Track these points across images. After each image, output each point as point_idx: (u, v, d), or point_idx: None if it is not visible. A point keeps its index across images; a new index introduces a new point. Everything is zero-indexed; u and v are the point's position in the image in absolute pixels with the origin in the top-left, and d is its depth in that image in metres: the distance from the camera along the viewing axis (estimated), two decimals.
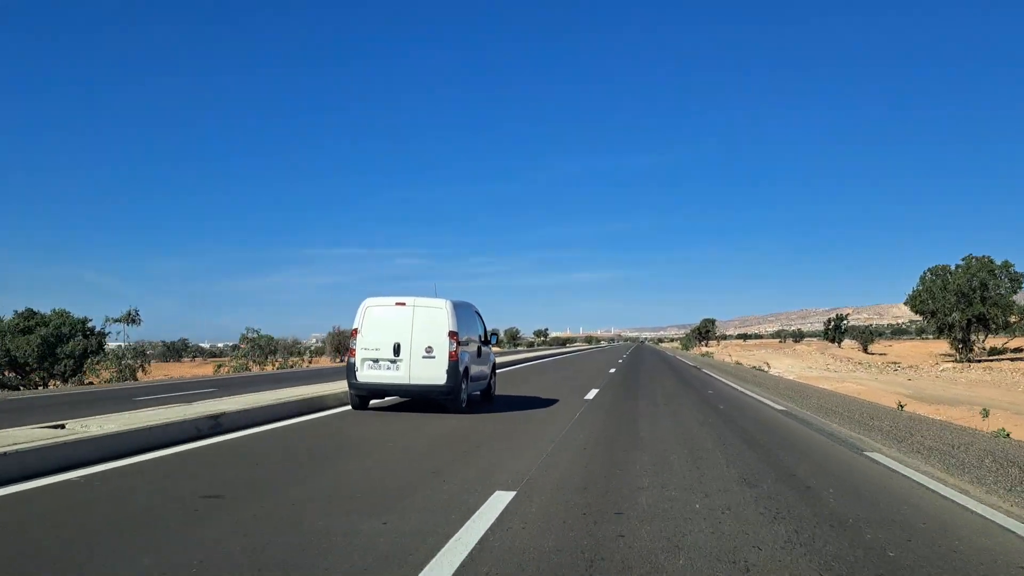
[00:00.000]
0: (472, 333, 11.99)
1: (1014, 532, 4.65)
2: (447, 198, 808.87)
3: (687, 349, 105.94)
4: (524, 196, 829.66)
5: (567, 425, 9.88)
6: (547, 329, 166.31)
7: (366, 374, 10.72)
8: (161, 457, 6.76)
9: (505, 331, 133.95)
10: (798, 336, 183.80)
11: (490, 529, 4.23)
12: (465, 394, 11.13)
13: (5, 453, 5.67)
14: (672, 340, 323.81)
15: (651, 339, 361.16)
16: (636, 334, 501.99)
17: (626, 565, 3.65)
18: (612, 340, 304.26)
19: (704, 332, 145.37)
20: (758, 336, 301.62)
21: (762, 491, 5.70)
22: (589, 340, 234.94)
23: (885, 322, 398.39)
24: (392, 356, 10.57)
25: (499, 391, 14.19)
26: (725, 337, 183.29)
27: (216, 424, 8.48)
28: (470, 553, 3.73)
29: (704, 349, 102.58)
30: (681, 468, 6.68)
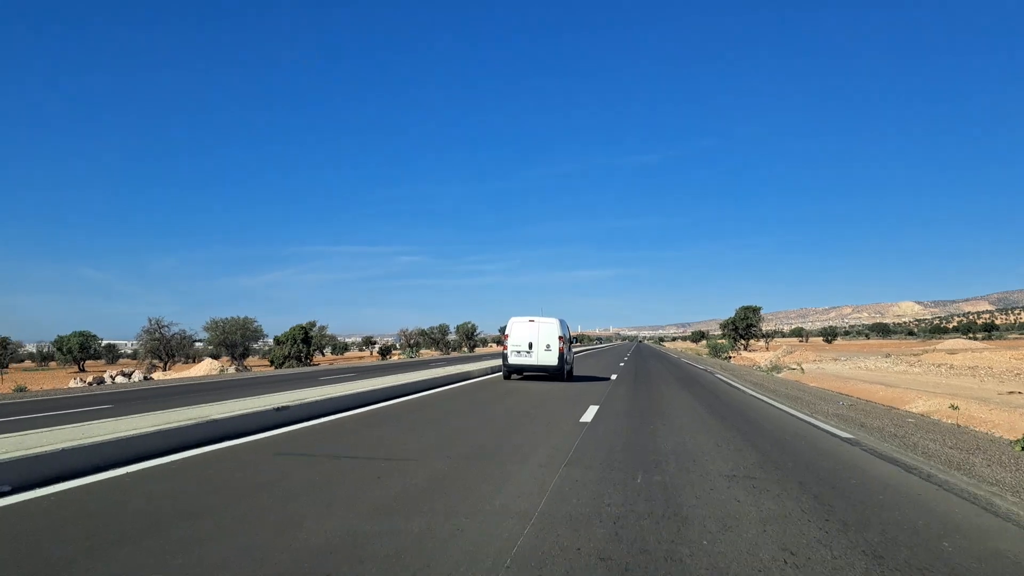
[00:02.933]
0: (565, 336, 20.03)
1: None
2: (448, 196, 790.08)
3: (719, 355, 60.47)
4: (524, 194, 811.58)
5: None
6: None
7: (513, 359, 19.49)
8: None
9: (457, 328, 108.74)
10: (829, 335, 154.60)
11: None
12: (564, 371, 19.57)
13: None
14: (674, 339, 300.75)
15: (650, 338, 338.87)
16: (635, 333, 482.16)
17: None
18: (600, 339, 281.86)
19: (745, 327, 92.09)
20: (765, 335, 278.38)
21: None
22: (579, 339, 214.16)
23: (888, 320, 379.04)
24: (528, 349, 19.34)
25: None
26: (768, 335, 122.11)
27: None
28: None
29: (753, 357, 60.90)
30: None
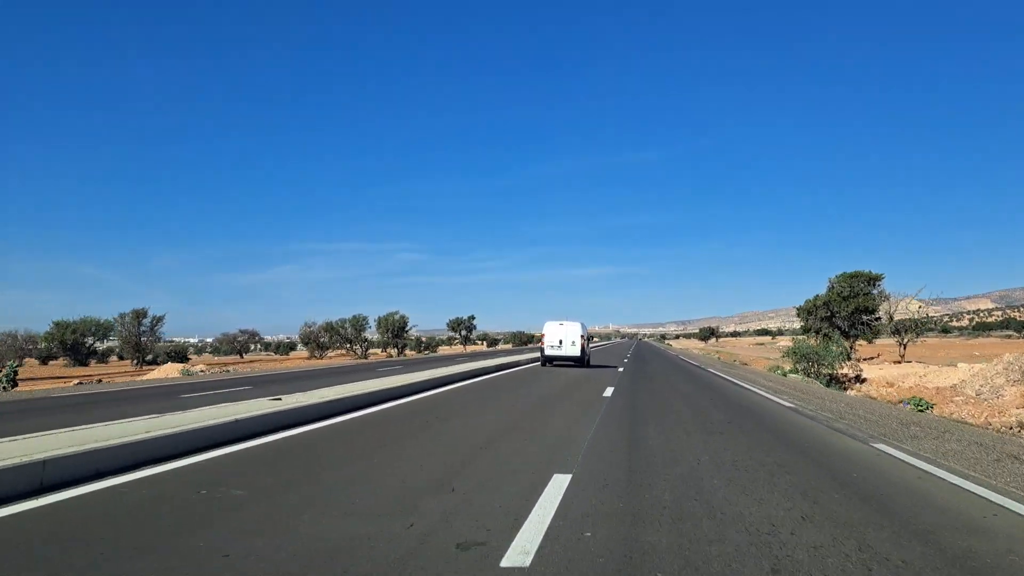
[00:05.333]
0: (585, 335, 27.14)
1: None
2: (447, 193, 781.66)
3: (815, 369, 27.39)
4: (524, 192, 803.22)
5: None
6: (472, 317, 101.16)
7: (548, 352, 26.39)
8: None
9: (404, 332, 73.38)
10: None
11: (613, 387, 16.74)
12: (585, 360, 26.73)
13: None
14: (677, 337, 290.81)
15: (651, 336, 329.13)
16: (634, 330, 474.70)
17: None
18: (589, 337, 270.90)
19: (851, 313, 46.03)
20: (767, 332, 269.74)
21: None
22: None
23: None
24: (558, 345, 26.19)
25: None
26: (901, 330, 53.17)
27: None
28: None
29: (926, 381, 25.92)
30: None
